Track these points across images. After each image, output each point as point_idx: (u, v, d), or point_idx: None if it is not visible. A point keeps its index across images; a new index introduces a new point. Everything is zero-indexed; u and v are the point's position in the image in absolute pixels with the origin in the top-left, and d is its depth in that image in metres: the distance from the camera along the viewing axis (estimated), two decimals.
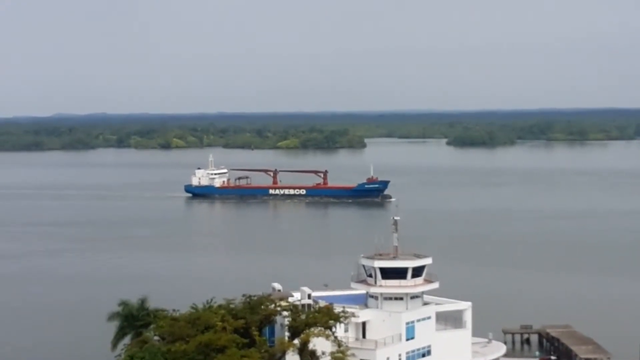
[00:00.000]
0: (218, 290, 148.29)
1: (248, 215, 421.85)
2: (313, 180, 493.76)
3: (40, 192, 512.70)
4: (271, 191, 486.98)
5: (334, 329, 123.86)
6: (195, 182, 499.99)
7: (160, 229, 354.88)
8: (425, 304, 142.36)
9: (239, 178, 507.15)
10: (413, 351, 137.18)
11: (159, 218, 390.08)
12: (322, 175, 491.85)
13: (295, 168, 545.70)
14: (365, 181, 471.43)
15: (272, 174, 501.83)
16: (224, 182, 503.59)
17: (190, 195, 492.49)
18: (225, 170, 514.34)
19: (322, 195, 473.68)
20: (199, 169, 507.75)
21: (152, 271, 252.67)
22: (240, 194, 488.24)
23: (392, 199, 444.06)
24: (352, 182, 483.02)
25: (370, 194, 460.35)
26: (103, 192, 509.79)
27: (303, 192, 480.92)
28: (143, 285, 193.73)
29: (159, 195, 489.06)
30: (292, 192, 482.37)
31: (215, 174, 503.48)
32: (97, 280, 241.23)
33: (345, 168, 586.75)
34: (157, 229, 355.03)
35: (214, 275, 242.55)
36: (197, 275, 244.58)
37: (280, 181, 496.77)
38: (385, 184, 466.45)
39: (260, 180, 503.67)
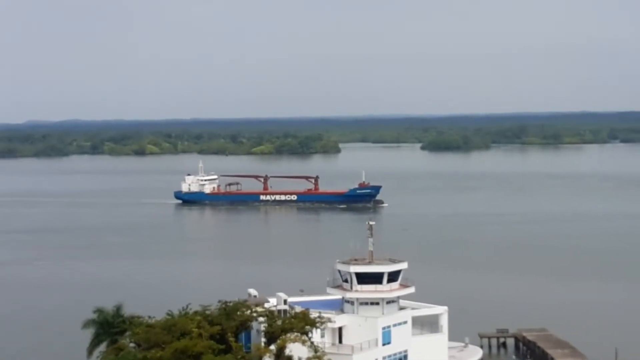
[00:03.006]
0: (194, 296, 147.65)
1: (237, 221, 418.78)
2: (304, 186, 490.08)
3: (14, 200, 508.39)
4: (262, 197, 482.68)
5: (310, 335, 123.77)
6: (185, 188, 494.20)
7: (146, 236, 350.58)
8: (402, 308, 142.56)
9: (230, 184, 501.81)
10: (389, 356, 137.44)
11: (145, 225, 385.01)
12: (313, 180, 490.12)
13: (276, 174, 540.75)
14: (357, 186, 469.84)
15: (262, 179, 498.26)
16: (214, 188, 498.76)
17: (180, 201, 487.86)
18: (215, 177, 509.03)
19: (313, 200, 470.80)
20: (188, 175, 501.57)
21: (128, 278, 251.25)
22: (230, 200, 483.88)
23: (384, 204, 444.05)
24: (339, 187, 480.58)
25: (362, 199, 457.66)
26: (88, 199, 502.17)
27: (294, 197, 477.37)
28: (118, 292, 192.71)
29: (148, 202, 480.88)
30: (283, 197, 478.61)
31: (206, 180, 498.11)
32: (72, 287, 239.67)
33: (324, 173, 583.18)
34: (142, 236, 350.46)
35: (190, 281, 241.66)
36: (174, 281, 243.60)
37: (271, 187, 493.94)
38: (377, 189, 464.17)
39: (251, 186, 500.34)
